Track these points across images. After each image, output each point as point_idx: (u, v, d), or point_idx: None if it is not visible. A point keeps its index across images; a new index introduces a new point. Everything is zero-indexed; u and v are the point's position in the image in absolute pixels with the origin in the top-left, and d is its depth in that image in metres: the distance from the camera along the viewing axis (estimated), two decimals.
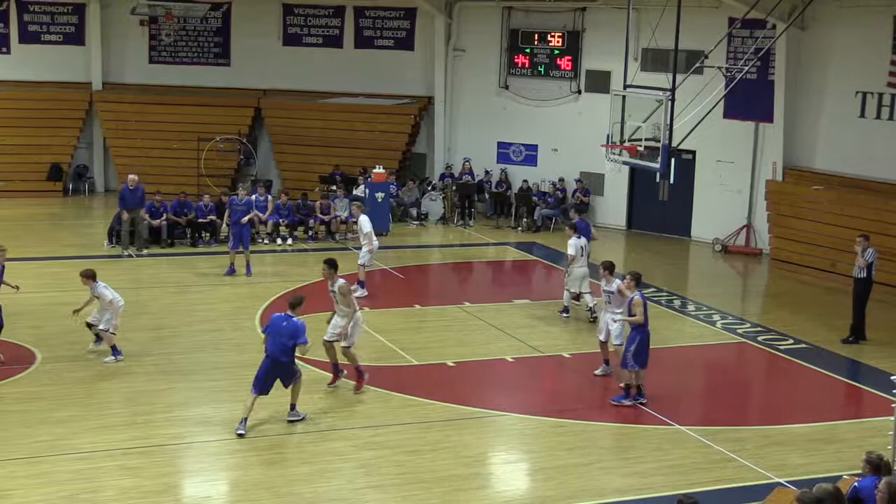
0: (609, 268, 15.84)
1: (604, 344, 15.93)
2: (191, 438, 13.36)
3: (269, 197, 25.46)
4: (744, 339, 18.58)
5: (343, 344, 14.92)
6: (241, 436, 13.17)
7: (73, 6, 30.66)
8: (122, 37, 31.03)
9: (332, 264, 15.04)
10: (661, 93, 18.69)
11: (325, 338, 15.01)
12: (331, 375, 15.22)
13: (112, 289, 16.21)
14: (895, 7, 22.85)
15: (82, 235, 24.94)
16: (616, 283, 15.50)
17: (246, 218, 21.45)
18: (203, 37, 31.44)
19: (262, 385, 13.45)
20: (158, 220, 23.92)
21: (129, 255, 22.82)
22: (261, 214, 24.75)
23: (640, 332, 14.61)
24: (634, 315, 14.60)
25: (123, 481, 11.89)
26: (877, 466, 9.38)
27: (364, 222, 20.32)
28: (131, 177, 23.44)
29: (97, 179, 31.03)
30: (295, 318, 13.60)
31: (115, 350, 15.96)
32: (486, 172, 29.18)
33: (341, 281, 14.97)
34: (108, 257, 22.69)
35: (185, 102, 30.43)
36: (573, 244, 18.88)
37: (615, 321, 15.53)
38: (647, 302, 14.98)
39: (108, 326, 15.95)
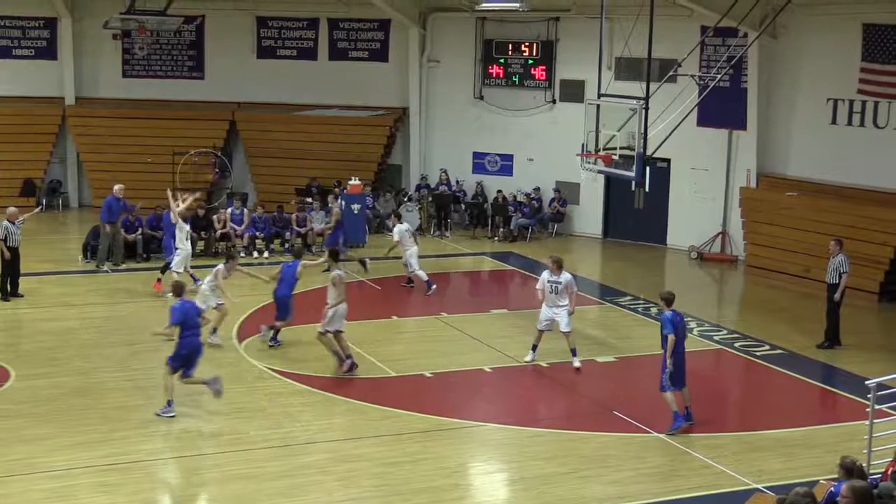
0: (558, 262, 16.92)
1: (541, 333, 17.01)
2: (168, 454, 13.28)
3: (245, 210, 25.43)
4: (721, 346, 18.66)
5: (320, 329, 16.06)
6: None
7: (44, 20, 30.50)
8: (95, 51, 30.89)
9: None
10: (635, 101, 18.78)
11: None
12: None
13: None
14: (864, 14, 23.10)
15: (57, 251, 24.76)
16: (564, 276, 16.71)
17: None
18: (177, 50, 31.35)
19: None
20: (134, 235, 23.78)
21: (106, 271, 22.67)
22: (237, 227, 24.72)
23: None
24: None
25: (99, 499, 11.79)
26: (850, 471, 9.45)
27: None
28: (118, 186, 23.20)
29: (71, 194, 30.85)
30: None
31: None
32: (457, 182, 29.20)
33: (337, 271, 16.17)
34: (84, 272, 22.55)
35: (159, 116, 30.30)
36: (397, 230, 21.70)
37: (565, 312, 16.79)
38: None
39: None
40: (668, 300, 14.46)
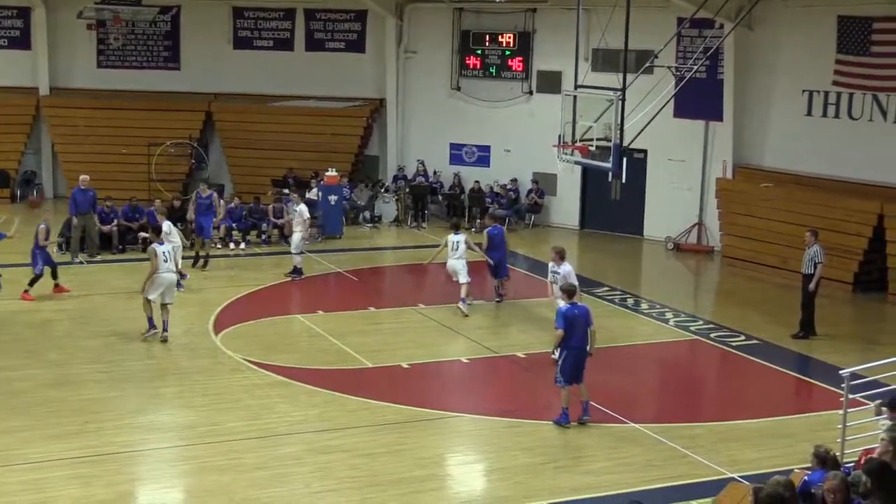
0: (560, 252, 16.90)
1: None
2: (143, 445, 13.22)
3: (222, 201, 25.29)
4: (696, 337, 18.74)
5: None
6: None
7: (17, 10, 30.21)
8: (70, 41, 30.63)
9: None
10: (611, 93, 18.77)
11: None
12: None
13: None
14: (839, 6, 23.21)
15: (31, 243, 24.53)
16: (564, 268, 16.56)
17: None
18: (152, 41, 31.14)
19: None
20: (109, 226, 23.65)
21: (80, 262, 22.54)
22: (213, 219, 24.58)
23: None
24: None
25: (74, 491, 11.73)
26: (823, 460, 9.54)
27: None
28: (83, 177, 23.08)
29: (46, 185, 30.63)
30: None
31: None
32: (435, 173, 29.18)
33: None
34: (59, 264, 22.34)
35: (134, 107, 30.07)
36: (300, 210, 22.10)
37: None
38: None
39: None
40: (570, 292, 14.37)
